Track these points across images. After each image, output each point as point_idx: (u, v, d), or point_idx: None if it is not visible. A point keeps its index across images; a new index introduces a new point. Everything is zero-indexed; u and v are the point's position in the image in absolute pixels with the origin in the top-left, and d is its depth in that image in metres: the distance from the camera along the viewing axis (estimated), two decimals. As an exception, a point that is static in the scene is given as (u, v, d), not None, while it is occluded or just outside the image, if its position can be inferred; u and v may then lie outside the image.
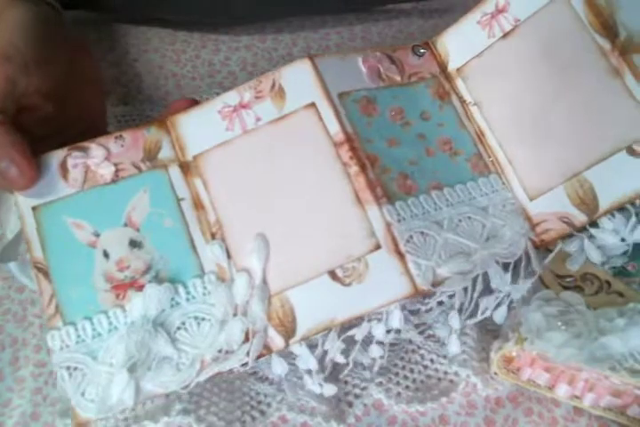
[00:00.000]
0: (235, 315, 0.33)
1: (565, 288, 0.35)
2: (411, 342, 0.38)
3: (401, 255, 0.31)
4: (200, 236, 0.35)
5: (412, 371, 0.37)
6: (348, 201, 0.33)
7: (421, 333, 0.38)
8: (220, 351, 0.33)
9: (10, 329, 0.39)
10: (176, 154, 0.36)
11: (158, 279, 0.34)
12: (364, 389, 0.36)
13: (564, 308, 0.34)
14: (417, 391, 0.36)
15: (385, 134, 0.35)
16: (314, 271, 0.32)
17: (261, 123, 0.35)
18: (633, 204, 0.33)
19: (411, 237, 0.32)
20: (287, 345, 0.32)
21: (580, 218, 0.34)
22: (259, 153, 0.35)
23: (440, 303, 0.38)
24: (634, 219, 0.33)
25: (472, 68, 0.38)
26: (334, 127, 0.34)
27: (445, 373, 0.37)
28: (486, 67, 0.37)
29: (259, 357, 0.33)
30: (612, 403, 0.35)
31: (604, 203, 0.33)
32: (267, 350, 0.33)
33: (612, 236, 0.34)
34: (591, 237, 0.34)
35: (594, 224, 0.34)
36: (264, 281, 0.33)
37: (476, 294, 0.34)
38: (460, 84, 0.38)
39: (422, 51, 0.39)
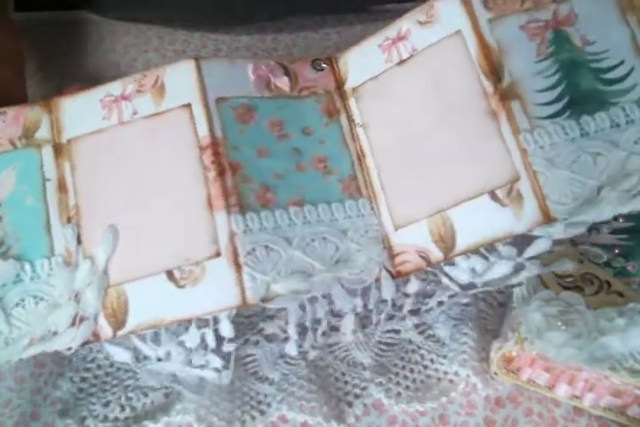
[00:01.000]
0: (70, 299, 0.33)
1: (565, 288, 0.35)
2: (411, 342, 0.38)
3: (238, 266, 0.31)
4: (57, 218, 0.35)
5: (412, 371, 0.37)
6: (199, 205, 0.33)
7: (421, 333, 0.38)
8: (48, 332, 0.32)
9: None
10: (53, 135, 0.36)
11: (6, 255, 0.34)
12: (364, 389, 0.36)
13: (564, 308, 0.34)
14: (417, 391, 0.36)
15: (256, 144, 0.35)
16: (153, 269, 0.32)
17: (137, 116, 0.35)
18: (488, 248, 0.33)
19: (253, 249, 0.32)
20: (114, 336, 0.32)
21: (436, 255, 0.33)
22: (129, 146, 0.35)
23: (440, 303, 0.38)
24: (487, 261, 0.33)
25: (366, 90, 0.37)
26: (203, 130, 0.34)
27: (445, 373, 0.37)
28: (379, 90, 0.37)
29: (85, 343, 0.32)
30: (611, 403, 0.35)
31: (462, 243, 0.33)
32: (95, 337, 0.32)
33: (465, 274, 0.34)
34: (445, 274, 0.34)
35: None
36: (105, 271, 0.33)
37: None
38: (352, 103, 0.38)
39: (322, 65, 0.38)
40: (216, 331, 0.32)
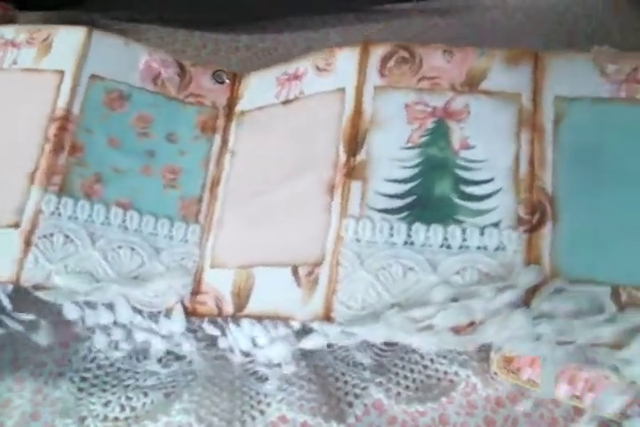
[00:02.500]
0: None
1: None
2: (411, 342, 0.38)
3: (28, 244, 0.30)
4: None
5: (412, 371, 0.37)
6: (23, 173, 0.31)
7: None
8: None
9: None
10: None
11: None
12: (364, 389, 0.36)
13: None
14: (417, 391, 0.36)
15: (112, 133, 0.33)
16: None
17: (15, 67, 0.34)
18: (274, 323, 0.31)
19: (52, 234, 0.31)
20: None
21: (228, 308, 0.32)
22: None
23: None
24: (269, 335, 0.31)
25: (250, 118, 0.36)
26: (62, 102, 0.32)
27: (445, 373, 0.37)
28: (258, 123, 0.35)
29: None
30: (612, 403, 0.35)
31: (252, 306, 0.31)
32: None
33: (246, 341, 0.32)
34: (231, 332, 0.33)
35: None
36: None
37: None
38: (233, 127, 0.36)
39: (224, 79, 0.37)
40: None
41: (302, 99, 0.34)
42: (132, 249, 0.32)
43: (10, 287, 0.31)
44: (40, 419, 0.36)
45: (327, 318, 0.29)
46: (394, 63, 0.31)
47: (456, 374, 0.36)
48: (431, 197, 0.29)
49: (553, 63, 0.31)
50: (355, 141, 0.31)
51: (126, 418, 0.36)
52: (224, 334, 0.33)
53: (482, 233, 0.28)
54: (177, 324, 0.33)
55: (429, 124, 0.30)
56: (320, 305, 0.29)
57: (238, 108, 0.36)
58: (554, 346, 0.26)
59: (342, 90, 0.32)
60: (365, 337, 0.28)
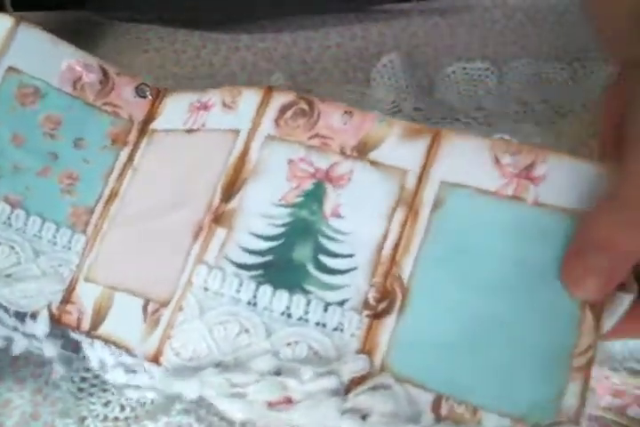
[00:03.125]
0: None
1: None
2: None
3: None
4: None
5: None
6: None
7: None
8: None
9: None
10: None
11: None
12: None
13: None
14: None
15: (17, 129, 0.32)
16: None
17: None
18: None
19: None
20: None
21: (86, 324, 0.31)
22: None
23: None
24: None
25: (158, 138, 0.35)
26: None
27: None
28: (163, 146, 0.34)
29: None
30: (612, 403, 0.35)
31: (105, 329, 0.30)
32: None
33: (96, 361, 0.31)
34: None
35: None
36: None
37: None
38: (143, 143, 0.35)
39: (147, 94, 0.36)
40: None
41: (203, 131, 0.32)
42: (12, 247, 0.32)
43: None
44: (40, 419, 0.36)
45: (156, 360, 0.28)
46: (291, 114, 0.30)
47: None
48: (288, 260, 0.28)
49: (450, 144, 0.28)
50: (232, 187, 0.29)
51: (126, 418, 0.36)
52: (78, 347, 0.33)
53: (325, 309, 0.27)
54: (39, 327, 0.32)
55: (308, 184, 0.29)
56: (154, 347, 0.28)
57: (152, 125, 0.36)
58: None
59: (237, 132, 0.31)
60: (180, 389, 0.27)
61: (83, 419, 0.36)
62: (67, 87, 0.34)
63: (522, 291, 0.25)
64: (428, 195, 0.27)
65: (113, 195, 0.34)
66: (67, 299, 0.33)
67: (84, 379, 0.38)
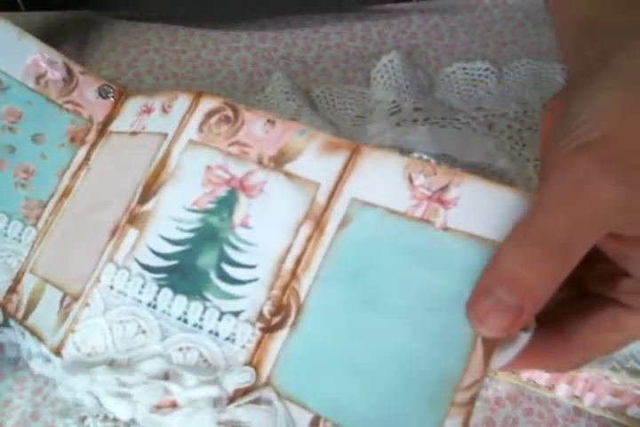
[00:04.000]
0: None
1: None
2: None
3: None
4: None
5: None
6: None
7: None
8: None
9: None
10: None
11: None
12: None
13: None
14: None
15: None
16: None
17: None
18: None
19: None
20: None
21: (20, 314, 0.32)
22: None
23: None
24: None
25: (113, 140, 0.35)
26: None
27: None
28: (114, 147, 0.35)
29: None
30: (612, 403, 0.35)
31: (32, 318, 0.31)
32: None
33: (25, 348, 0.32)
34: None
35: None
36: None
37: None
38: (100, 144, 0.36)
39: (109, 95, 0.36)
40: None
41: (142, 134, 0.33)
42: None
43: None
44: (40, 419, 0.36)
45: (58, 353, 0.28)
46: (216, 120, 0.30)
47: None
48: (192, 266, 0.28)
49: (366, 161, 0.27)
50: (149, 190, 0.30)
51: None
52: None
53: (220, 318, 0.27)
54: None
55: (222, 191, 0.29)
56: (59, 339, 0.29)
57: (111, 127, 0.36)
58: None
59: (165, 135, 0.31)
60: (70, 384, 0.28)
61: (83, 419, 0.36)
62: (30, 82, 0.34)
63: (417, 317, 0.24)
64: (337, 211, 0.27)
65: (67, 192, 0.35)
66: (12, 289, 0.33)
67: (84, 379, 0.38)
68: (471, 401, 0.22)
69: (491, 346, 0.23)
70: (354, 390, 0.24)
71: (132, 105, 0.36)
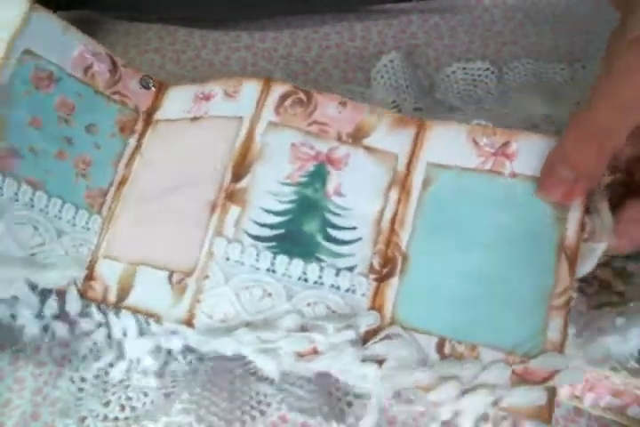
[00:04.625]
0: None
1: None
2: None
3: None
4: None
5: (412, 371, 0.37)
6: None
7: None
8: None
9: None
10: None
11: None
12: (363, 389, 0.36)
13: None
14: (417, 391, 0.36)
15: (34, 111, 0.33)
16: None
17: None
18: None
19: None
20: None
21: (112, 297, 0.34)
22: None
23: None
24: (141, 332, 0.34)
25: (163, 127, 0.38)
26: None
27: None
28: (168, 133, 0.37)
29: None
30: (612, 403, 0.35)
31: (131, 300, 0.33)
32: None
33: (119, 331, 0.34)
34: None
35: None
36: None
37: None
38: (149, 132, 0.38)
39: (150, 85, 0.38)
40: None
41: (207, 118, 0.35)
42: (35, 228, 0.33)
43: None
44: (40, 419, 0.36)
45: (189, 323, 0.31)
46: (290, 103, 0.33)
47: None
48: (299, 233, 0.32)
49: (433, 132, 0.33)
50: (240, 168, 0.33)
51: (126, 418, 0.36)
52: (106, 319, 0.36)
53: (337, 274, 0.31)
54: (72, 304, 0.35)
55: (310, 166, 0.33)
56: (185, 311, 0.31)
57: (156, 116, 0.38)
58: (378, 383, 0.30)
59: (240, 118, 0.34)
60: (216, 347, 0.31)
61: (83, 419, 0.36)
62: (78, 74, 0.35)
63: (503, 249, 0.30)
64: (418, 175, 0.32)
65: (124, 180, 0.37)
66: (89, 275, 0.35)
67: (83, 379, 0.38)
68: (566, 304, 0.28)
69: (573, 258, 0.29)
70: (466, 311, 0.30)
71: (178, 94, 0.38)
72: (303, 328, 0.30)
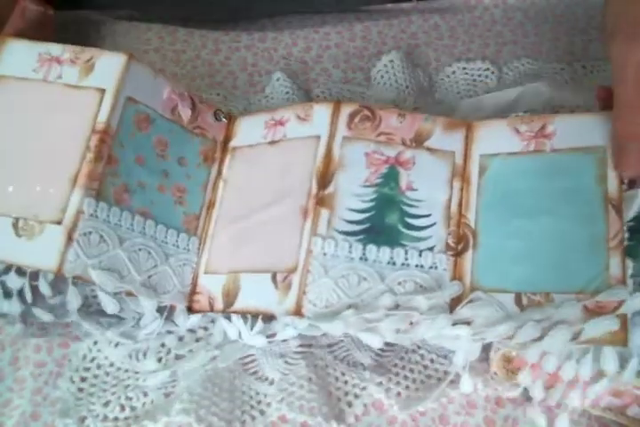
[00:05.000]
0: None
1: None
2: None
3: (70, 240, 0.34)
4: None
5: (411, 371, 0.37)
6: (67, 174, 0.36)
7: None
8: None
9: (9, 329, 0.39)
10: None
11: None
12: (363, 389, 0.36)
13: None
14: (417, 391, 0.36)
15: (138, 150, 0.38)
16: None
17: (59, 81, 0.38)
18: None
19: (90, 232, 0.35)
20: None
21: (219, 305, 0.38)
22: (38, 100, 0.38)
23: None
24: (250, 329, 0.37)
25: (241, 153, 0.42)
26: (103, 116, 0.37)
27: (445, 373, 0.37)
28: (249, 158, 0.42)
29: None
30: (611, 403, 0.35)
31: (239, 304, 0.37)
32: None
33: (234, 331, 0.38)
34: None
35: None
36: None
37: None
38: (227, 159, 0.43)
39: (222, 118, 0.43)
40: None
41: (285, 141, 0.41)
42: (149, 253, 0.38)
43: (50, 276, 0.36)
44: (40, 419, 0.36)
45: (298, 313, 0.35)
46: (359, 119, 0.39)
47: (456, 374, 0.36)
48: (382, 225, 0.37)
49: (480, 130, 0.39)
50: (325, 178, 0.38)
51: (126, 418, 0.36)
52: (212, 323, 0.40)
53: (420, 255, 0.36)
54: (181, 321, 0.39)
55: (383, 169, 0.38)
56: (293, 303, 0.35)
57: (231, 144, 0.43)
58: (470, 342, 0.34)
59: (318, 137, 0.39)
60: (327, 330, 0.35)
61: (83, 419, 0.36)
62: (167, 113, 0.41)
63: (559, 210, 0.35)
64: (474, 166, 0.38)
65: (212, 203, 0.42)
66: (193, 291, 0.40)
67: (83, 379, 0.38)
68: (620, 244, 0.33)
69: (618, 206, 0.34)
70: (534, 267, 0.34)
71: (249, 123, 0.43)
72: (397, 305, 0.35)
